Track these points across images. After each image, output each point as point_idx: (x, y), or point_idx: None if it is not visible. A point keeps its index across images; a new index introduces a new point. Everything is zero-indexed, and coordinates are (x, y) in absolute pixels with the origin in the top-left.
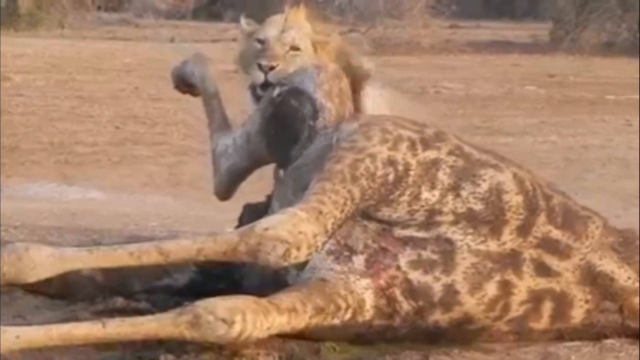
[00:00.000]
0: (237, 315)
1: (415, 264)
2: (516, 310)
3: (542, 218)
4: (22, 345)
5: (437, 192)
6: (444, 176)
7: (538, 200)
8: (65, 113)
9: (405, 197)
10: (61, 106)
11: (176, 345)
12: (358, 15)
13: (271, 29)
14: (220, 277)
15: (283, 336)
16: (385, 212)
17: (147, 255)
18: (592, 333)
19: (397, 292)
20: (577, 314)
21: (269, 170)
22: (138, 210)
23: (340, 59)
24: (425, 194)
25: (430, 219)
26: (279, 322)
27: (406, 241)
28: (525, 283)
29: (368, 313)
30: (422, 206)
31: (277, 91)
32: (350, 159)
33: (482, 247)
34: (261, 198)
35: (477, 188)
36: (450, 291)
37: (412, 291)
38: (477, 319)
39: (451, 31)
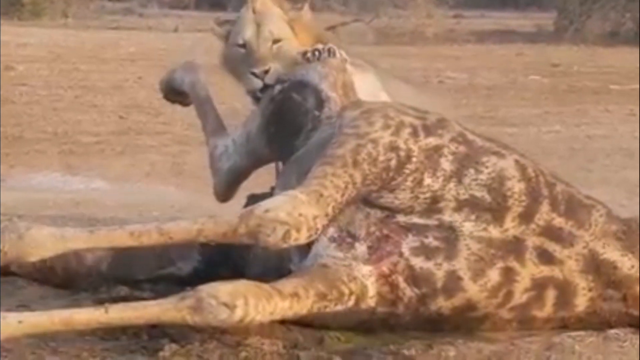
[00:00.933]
0: (239, 300)
1: (418, 251)
2: (519, 298)
3: (545, 205)
4: (25, 331)
5: (439, 179)
6: (446, 163)
7: (541, 188)
8: (68, 103)
9: (408, 184)
10: (65, 96)
11: (181, 335)
12: (361, 5)
13: (247, 30)
14: (223, 266)
15: (287, 325)
16: (387, 199)
17: (147, 235)
18: (595, 322)
19: (400, 279)
20: (581, 302)
21: (270, 166)
22: (141, 199)
23: (313, 30)
24: (427, 181)
25: (433, 206)
26: (282, 307)
27: (409, 228)
28: (528, 270)
29: (371, 300)
30: (425, 193)
31: (277, 88)
32: (352, 144)
33: (484, 233)
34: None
35: (480, 175)
36: (453, 278)
37: (414, 278)
38: (480, 306)
39: (455, 21)
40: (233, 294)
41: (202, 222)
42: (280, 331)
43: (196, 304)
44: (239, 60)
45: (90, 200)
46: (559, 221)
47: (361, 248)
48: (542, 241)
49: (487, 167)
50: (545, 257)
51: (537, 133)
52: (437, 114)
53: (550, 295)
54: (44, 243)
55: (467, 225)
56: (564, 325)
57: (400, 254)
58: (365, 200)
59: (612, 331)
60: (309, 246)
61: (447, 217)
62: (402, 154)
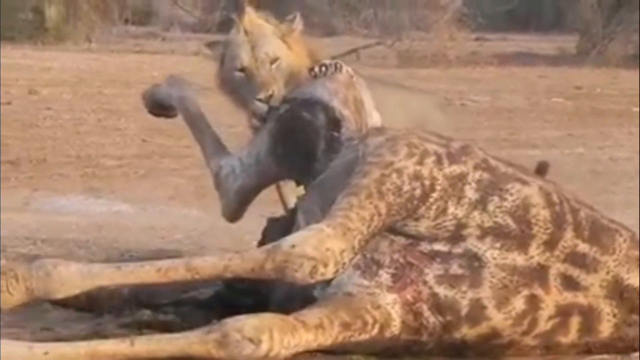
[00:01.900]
0: (264, 334)
1: (442, 279)
2: (544, 325)
3: (569, 232)
4: None
5: (463, 207)
6: (470, 190)
7: (565, 214)
8: (92, 126)
9: (432, 212)
10: (88, 119)
11: None
12: (384, 27)
13: (242, 54)
14: (246, 291)
15: (310, 351)
16: (411, 227)
17: (174, 271)
18: (620, 347)
19: (424, 307)
20: (605, 328)
21: None
22: (164, 222)
23: (305, 41)
24: (451, 209)
25: (457, 234)
26: (306, 339)
27: (433, 256)
28: (553, 297)
29: (395, 328)
30: (449, 220)
31: (284, 108)
32: (376, 174)
33: (509, 261)
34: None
35: (504, 202)
36: (478, 306)
37: (439, 306)
38: (504, 334)
39: (477, 43)
40: (258, 329)
41: (229, 258)
42: (303, 357)
43: (222, 339)
44: (239, 85)
45: (113, 224)
46: (583, 247)
47: (385, 275)
48: (566, 268)
49: (511, 195)
50: (570, 284)
51: (560, 155)
52: (461, 141)
53: (575, 321)
54: (71, 280)
55: (492, 253)
56: (589, 350)
57: (425, 282)
58: (390, 228)
59: (636, 355)
60: None
61: (472, 244)
62: (427, 182)
